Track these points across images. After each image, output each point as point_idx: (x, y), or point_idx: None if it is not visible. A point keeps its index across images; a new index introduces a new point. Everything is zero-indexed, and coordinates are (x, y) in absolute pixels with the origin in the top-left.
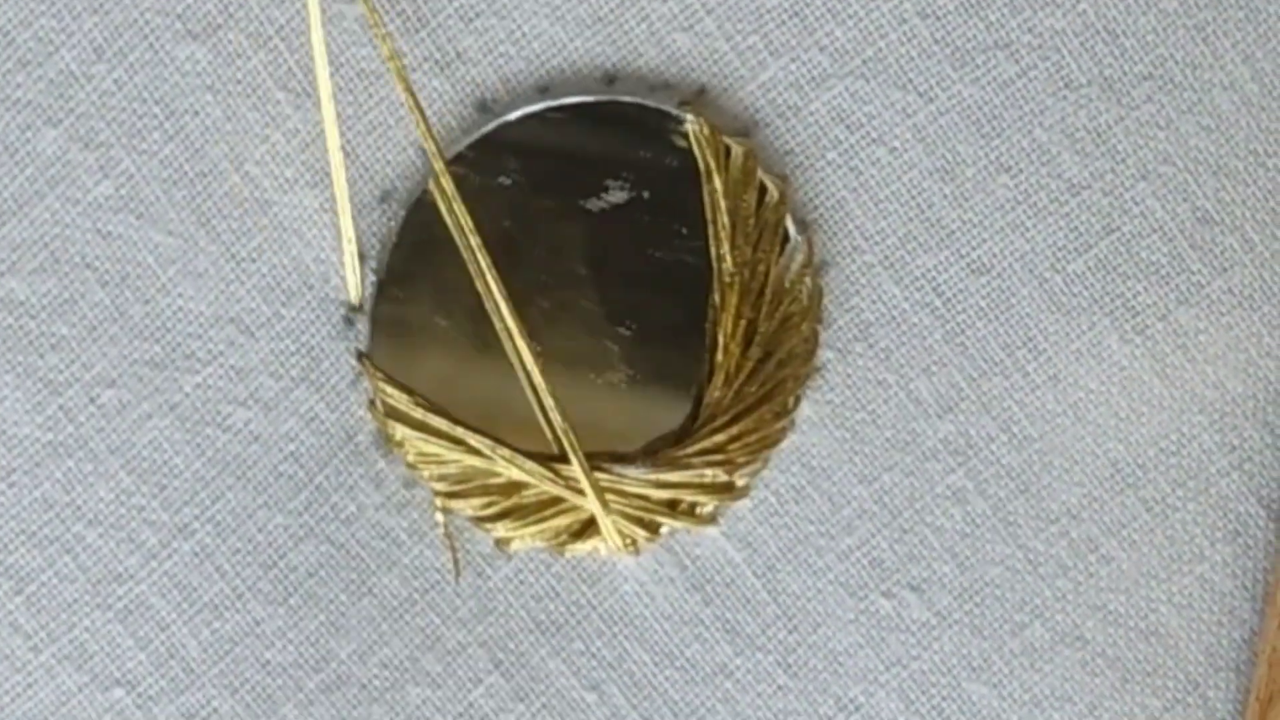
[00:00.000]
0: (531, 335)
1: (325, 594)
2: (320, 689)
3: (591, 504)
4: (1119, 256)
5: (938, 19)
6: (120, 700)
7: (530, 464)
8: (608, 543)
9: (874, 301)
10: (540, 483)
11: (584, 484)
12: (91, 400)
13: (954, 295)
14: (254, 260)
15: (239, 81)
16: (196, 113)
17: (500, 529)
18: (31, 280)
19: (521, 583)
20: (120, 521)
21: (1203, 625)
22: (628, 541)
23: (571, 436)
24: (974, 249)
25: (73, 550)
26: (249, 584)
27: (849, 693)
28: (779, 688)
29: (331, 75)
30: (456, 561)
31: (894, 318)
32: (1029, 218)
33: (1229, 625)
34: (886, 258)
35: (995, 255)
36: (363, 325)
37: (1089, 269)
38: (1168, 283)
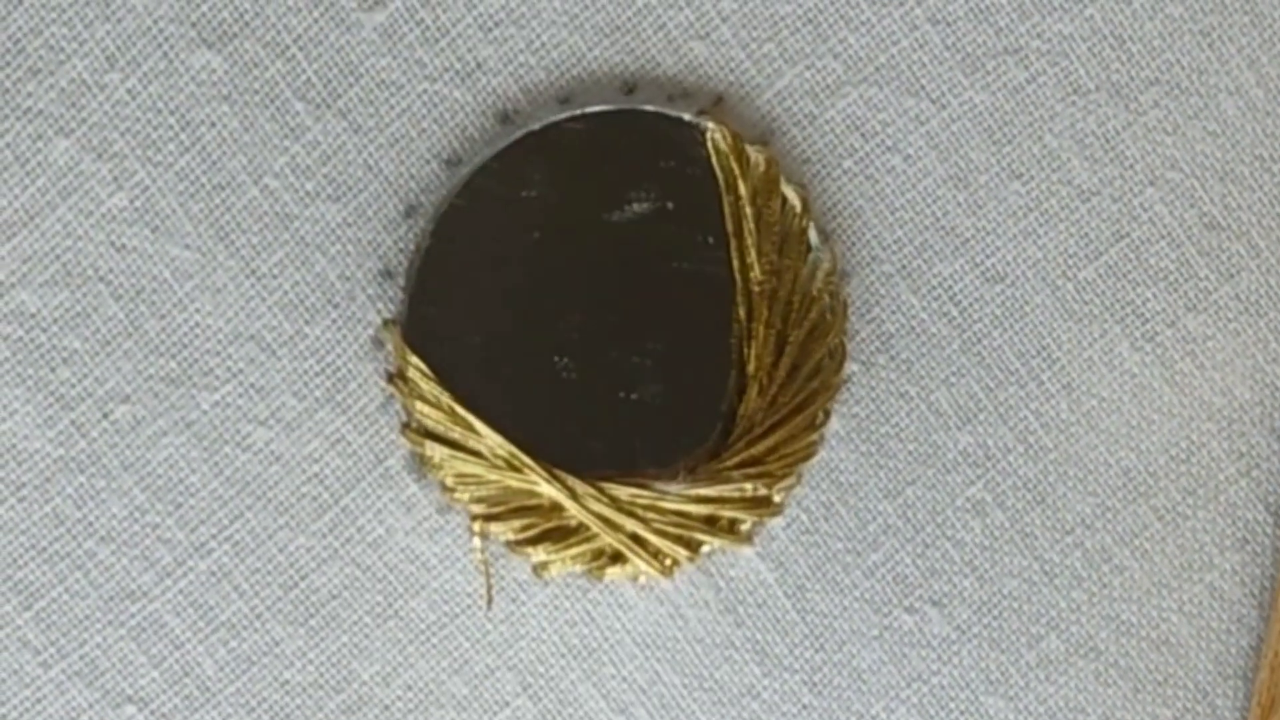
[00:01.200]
0: (563, 352)
1: (348, 616)
2: (341, 710)
3: (617, 530)
4: (1128, 263)
5: (948, 25)
6: (132, 717)
7: (577, 484)
8: (640, 565)
9: (894, 312)
10: (578, 507)
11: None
12: (104, 416)
13: (970, 304)
14: (275, 276)
15: (256, 91)
16: (213, 123)
17: (540, 552)
18: (43, 293)
19: (556, 608)
20: (134, 539)
21: (1211, 634)
22: (667, 564)
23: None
24: (988, 257)
25: (84, 566)
26: (268, 604)
27: (871, 710)
28: (804, 707)
29: (350, 85)
30: (489, 588)
31: (913, 328)
32: (1040, 225)
33: (1237, 633)
34: (904, 267)
35: (1009, 263)
36: (391, 345)
37: (1099, 276)
38: (1176, 289)
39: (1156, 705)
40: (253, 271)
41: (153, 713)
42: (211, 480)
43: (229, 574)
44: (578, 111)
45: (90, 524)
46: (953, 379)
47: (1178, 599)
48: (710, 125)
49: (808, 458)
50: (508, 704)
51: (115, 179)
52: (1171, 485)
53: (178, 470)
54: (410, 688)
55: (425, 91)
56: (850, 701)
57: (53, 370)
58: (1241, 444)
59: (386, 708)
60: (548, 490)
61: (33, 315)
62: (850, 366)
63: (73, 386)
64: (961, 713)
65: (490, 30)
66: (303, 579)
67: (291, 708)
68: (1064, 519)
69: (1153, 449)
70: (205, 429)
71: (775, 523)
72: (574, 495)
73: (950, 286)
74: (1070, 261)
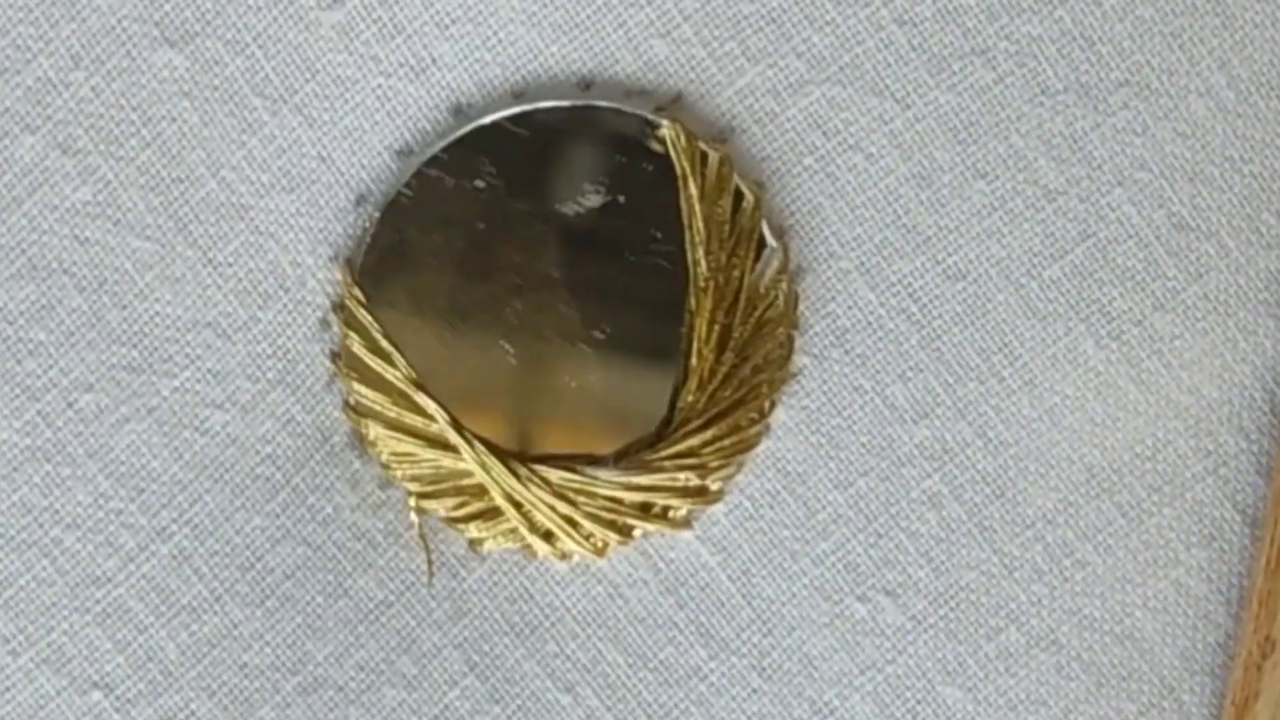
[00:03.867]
0: (505, 339)
1: (302, 596)
2: (297, 691)
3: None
4: (1095, 262)
5: (914, 26)
6: (99, 703)
7: (495, 463)
8: (570, 545)
9: (850, 307)
10: (494, 483)
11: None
12: (69, 405)
13: (930, 301)
14: (231, 265)
15: (216, 88)
16: (174, 119)
17: (473, 529)
18: (9, 286)
19: (495, 584)
20: (98, 525)
21: (1178, 630)
22: (598, 545)
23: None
24: (950, 255)
25: (51, 554)
26: (227, 586)
27: (823, 696)
28: (753, 691)
29: (307, 81)
30: (430, 563)
31: (870, 323)
32: (1005, 224)
33: (1204, 630)
34: (863, 264)
35: (971, 261)
36: (338, 327)
37: (1065, 275)
38: (1143, 288)
39: (1121, 700)
40: (210, 261)
41: (118, 698)
42: (171, 465)
43: (189, 557)
44: (529, 107)
45: (56, 511)
46: (909, 374)
47: (1142, 594)
48: (664, 122)
49: (748, 449)
50: (456, 683)
51: (79, 174)
52: (1136, 482)
53: (139, 456)
54: (362, 667)
55: (379, 86)
56: (801, 688)
57: (19, 362)
58: (1209, 442)
59: (340, 688)
60: (476, 469)
61: None
62: (801, 360)
63: (38, 377)
64: (918, 702)
65: (446, 27)
66: (258, 560)
67: (251, 690)
68: (1024, 513)
69: (1117, 446)
70: (165, 415)
71: (716, 509)
72: (506, 474)
73: (910, 284)
74: (1035, 260)
